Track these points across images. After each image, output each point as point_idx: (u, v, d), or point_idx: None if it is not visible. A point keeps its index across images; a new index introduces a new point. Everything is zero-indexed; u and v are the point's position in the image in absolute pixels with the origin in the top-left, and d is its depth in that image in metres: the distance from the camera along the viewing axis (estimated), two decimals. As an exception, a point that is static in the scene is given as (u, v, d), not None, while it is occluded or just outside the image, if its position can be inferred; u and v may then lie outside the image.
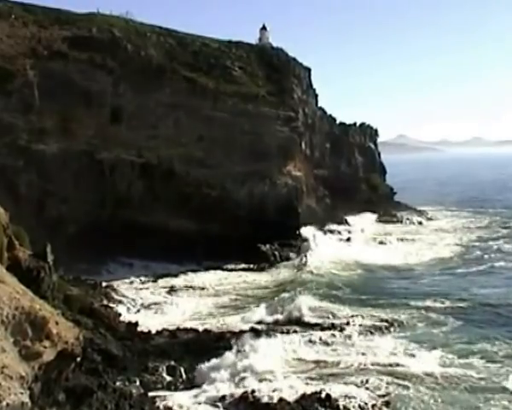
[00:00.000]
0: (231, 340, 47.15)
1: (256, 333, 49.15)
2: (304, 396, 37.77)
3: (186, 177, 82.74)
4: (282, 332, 50.29)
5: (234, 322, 54.28)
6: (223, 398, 38.37)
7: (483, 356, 45.06)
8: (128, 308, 57.98)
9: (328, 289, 66.45)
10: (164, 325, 52.38)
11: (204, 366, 42.37)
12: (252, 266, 79.02)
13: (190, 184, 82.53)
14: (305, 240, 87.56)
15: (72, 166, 74.77)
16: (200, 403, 37.84)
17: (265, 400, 37.53)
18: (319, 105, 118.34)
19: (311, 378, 41.46)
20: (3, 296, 26.42)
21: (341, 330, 51.10)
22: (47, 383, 27.92)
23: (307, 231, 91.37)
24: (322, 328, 51.63)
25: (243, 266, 78.74)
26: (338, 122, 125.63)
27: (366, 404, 37.15)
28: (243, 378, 41.20)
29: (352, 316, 54.83)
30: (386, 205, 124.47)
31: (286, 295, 62.77)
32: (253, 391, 38.70)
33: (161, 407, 36.75)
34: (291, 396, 38.01)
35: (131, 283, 69.51)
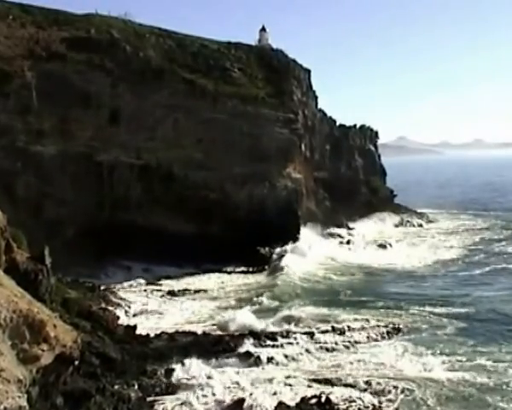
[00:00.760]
0: (230, 343, 47.01)
1: (255, 337, 48.93)
2: (304, 400, 37.47)
3: (185, 179, 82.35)
4: (282, 336, 49.78)
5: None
6: (221, 402, 38.05)
7: (490, 359, 44.75)
8: (126, 311, 57.62)
9: (328, 293, 66.27)
10: (163, 328, 52.08)
11: (203, 368, 42.04)
12: (251, 268, 78.68)
13: (189, 186, 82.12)
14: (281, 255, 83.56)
15: (70, 168, 74.44)
16: (198, 407, 37.50)
17: (265, 403, 37.17)
18: (319, 107, 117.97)
19: (313, 382, 41.18)
20: (1, 299, 26.26)
21: (342, 333, 50.81)
22: (45, 386, 27.88)
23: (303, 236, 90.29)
24: (323, 332, 51.13)
25: (243, 268, 78.55)
26: (338, 124, 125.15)
27: (367, 408, 36.86)
28: (242, 382, 40.90)
29: (354, 320, 54.37)
30: (386, 207, 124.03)
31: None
32: (251, 394, 38.46)
33: (159, 410, 36.52)
34: (291, 400, 37.69)
35: (130, 286, 69.14)
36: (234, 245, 75.98)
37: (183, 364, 42.11)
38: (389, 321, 54.13)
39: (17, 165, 70.35)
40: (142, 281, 71.16)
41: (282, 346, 47.67)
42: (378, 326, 52.70)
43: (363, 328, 52.22)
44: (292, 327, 52.41)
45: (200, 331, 50.79)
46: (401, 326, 52.67)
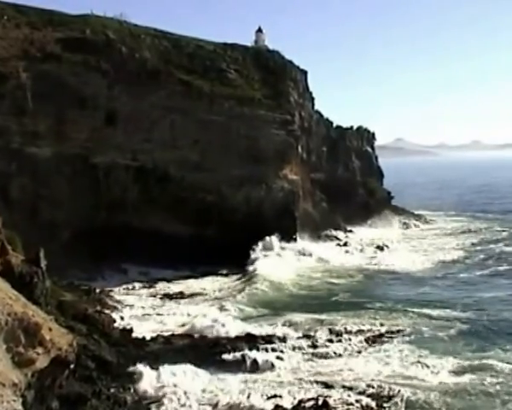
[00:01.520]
0: (227, 346, 46.76)
1: (252, 339, 48.63)
2: (301, 403, 37.49)
3: (181, 180, 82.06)
4: (280, 339, 49.40)
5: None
6: (217, 404, 38.07)
7: (497, 360, 44.35)
8: (122, 314, 57.15)
9: (326, 296, 66.06)
10: (159, 330, 51.82)
11: (199, 371, 42.00)
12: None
13: (186, 187, 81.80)
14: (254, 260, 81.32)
15: (65, 170, 74.09)
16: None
17: (262, 407, 37.18)
18: (316, 108, 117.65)
19: (310, 385, 40.93)
20: (-5, 302, 25.92)
21: (340, 336, 50.54)
22: (40, 390, 27.72)
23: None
24: (321, 335, 50.72)
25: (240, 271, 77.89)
26: (335, 126, 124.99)
27: (365, 411, 36.60)
28: (239, 385, 40.93)
29: (353, 323, 53.85)
30: (383, 209, 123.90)
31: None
32: (248, 397, 38.29)
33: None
34: (288, 403, 37.63)
35: (126, 288, 68.95)
36: (231, 247, 75.70)
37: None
38: (390, 324, 53.72)
39: (12, 167, 69.95)
40: (138, 283, 70.91)
41: (279, 349, 47.22)
42: (379, 329, 52.36)
43: (362, 331, 51.81)
44: (289, 330, 52.02)
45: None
46: (402, 329, 52.25)
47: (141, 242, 72.85)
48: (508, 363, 43.72)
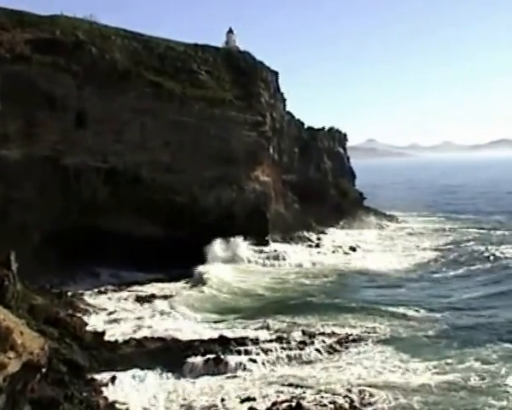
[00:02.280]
0: (200, 348, 46.63)
1: (225, 342, 48.48)
2: (275, 405, 37.61)
3: (152, 182, 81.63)
4: (253, 341, 49.22)
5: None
6: (191, 407, 38.23)
7: (479, 360, 44.67)
8: (94, 318, 56.80)
9: (299, 297, 65.82)
10: (131, 334, 51.44)
11: (169, 375, 42.40)
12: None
13: (157, 189, 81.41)
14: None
15: (36, 173, 73.22)
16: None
17: (236, 409, 37.34)
18: (287, 109, 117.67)
19: (284, 387, 40.97)
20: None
21: (313, 337, 50.53)
22: (12, 394, 27.43)
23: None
24: (295, 337, 50.68)
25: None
26: (306, 127, 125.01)
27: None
28: (212, 387, 41.02)
29: (328, 325, 53.96)
30: (355, 210, 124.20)
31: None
32: (222, 400, 38.18)
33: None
34: (262, 405, 37.77)
35: (98, 292, 68.33)
36: (203, 249, 75.59)
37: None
38: (366, 325, 53.79)
39: (-19, 170, 69.19)
40: (110, 286, 70.41)
41: (252, 352, 47.07)
42: (355, 331, 52.39)
43: (337, 333, 51.75)
44: (262, 333, 51.90)
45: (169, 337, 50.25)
46: (380, 330, 52.37)
47: (112, 244, 72.40)
48: (489, 363, 43.96)
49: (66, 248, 67.93)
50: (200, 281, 72.29)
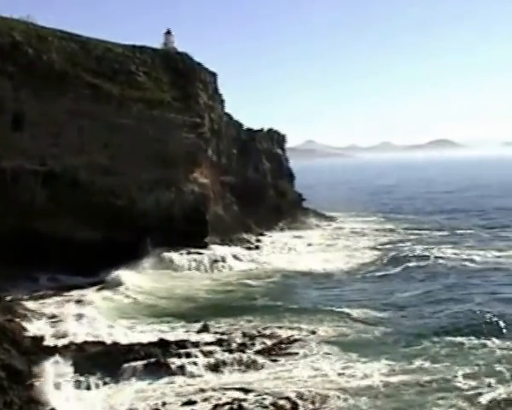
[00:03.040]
0: (141, 352, 46.37)
1: (165, 345, 48.38)
2: (216, 408, 37.82)
3: (91, 185, 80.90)
4: (193, 344, 49.16)
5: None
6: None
7: (427, 359, 45.02)
8: (33, 322, 56.13)
9: (242, 299, 66.04)
10: (71, 338, 50.92)
11: (113, 378, 42.32)
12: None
13: (96, 192, 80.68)
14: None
15: (-29, 176, 72.34)
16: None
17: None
18: (226, 110, 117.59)
19: (226, 391, 40.79)
20: None
21: (254, 339, 50.71)
22: None
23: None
24: (238, 340, 50.86)
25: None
26: (245, 128, 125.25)
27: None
28: (152, 391, 41.05)
29: (271, 327, 54.05)
30: (294, 211, 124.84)
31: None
32: (163, 404, 38.18)
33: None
34: (204, 408, 37.95)
35: (37, 296, 67.40)
36: (143, 252, 75.37)
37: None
38: (311, 327, 53.79)
39: None
40: (49, 291, 69.54)
41: (192, 355, 46.93)
42: (298, 332, 52.51)
43: (280, 335, 51.89)
44: (203, 336, 51.94)
45: (108, 341, 49.90)
46: (325, 331, 52.48)
47: (52, 248, 71.82)
48: (437, 362, 44.37)
49: (4, 253, 67.07)
50: (136, 286, 71.74)
